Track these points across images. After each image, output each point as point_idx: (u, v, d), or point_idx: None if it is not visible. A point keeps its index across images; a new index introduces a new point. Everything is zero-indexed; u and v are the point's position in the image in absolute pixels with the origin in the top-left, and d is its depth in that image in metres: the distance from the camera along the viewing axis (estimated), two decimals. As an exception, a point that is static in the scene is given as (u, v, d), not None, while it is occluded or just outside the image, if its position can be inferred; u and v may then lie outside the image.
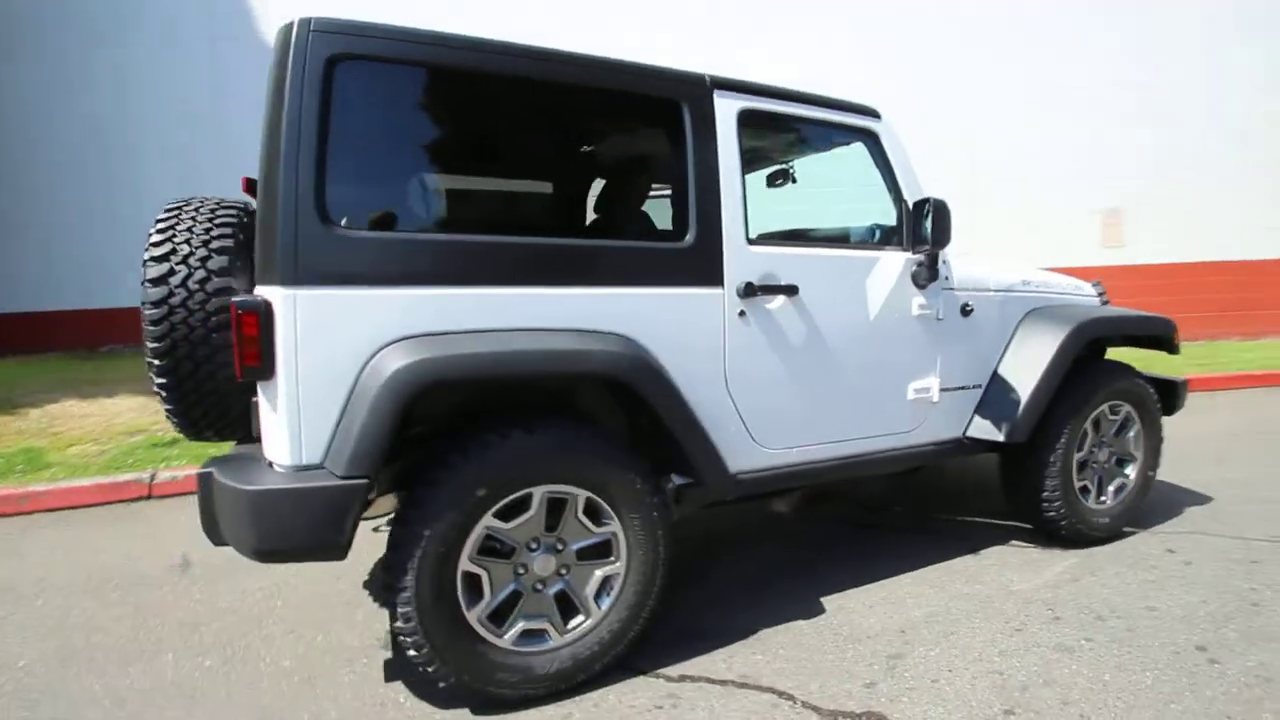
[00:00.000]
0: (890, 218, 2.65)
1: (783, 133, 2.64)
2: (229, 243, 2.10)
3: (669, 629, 2.30)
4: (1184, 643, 2.22)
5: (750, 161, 2.30)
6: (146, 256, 2.02)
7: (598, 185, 2.70)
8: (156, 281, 1.99)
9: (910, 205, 2.55)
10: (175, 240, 2.06)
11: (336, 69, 1.74)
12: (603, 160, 2.62)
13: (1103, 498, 3.04)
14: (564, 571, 2.01)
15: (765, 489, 2.39)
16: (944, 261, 2.65)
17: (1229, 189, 8.75)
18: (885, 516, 3.44)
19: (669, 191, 3.10)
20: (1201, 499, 3.54)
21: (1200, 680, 2.02)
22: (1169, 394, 3.20)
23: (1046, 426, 2.82)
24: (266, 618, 2.53)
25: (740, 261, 2.22)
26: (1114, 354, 3.28)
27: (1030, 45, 8.57)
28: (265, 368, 1.71)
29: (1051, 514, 2.88)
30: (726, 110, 2.23)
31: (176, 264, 2.02)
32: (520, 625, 1.95)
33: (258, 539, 1.67)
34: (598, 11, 8.09)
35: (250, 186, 2.32)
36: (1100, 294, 3.38)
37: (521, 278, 1.93)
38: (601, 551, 2.06)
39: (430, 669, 1.85)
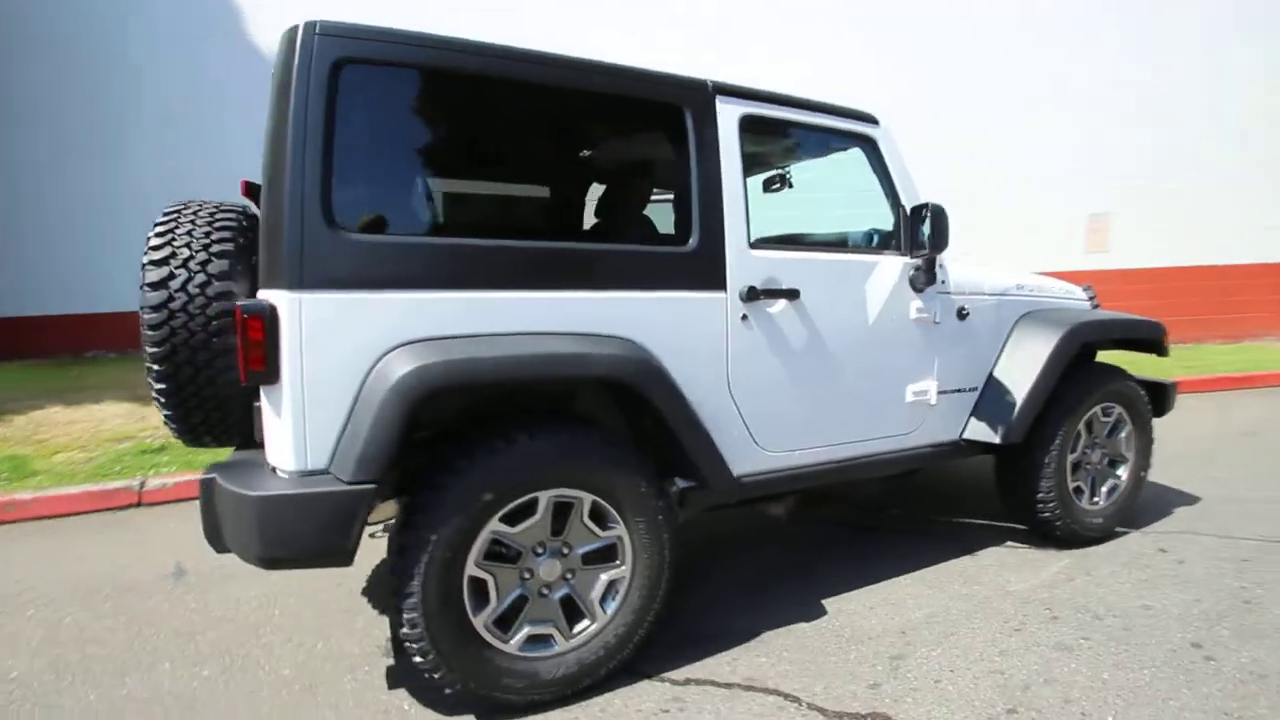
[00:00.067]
0: (887, 222, 2.68)
1: (782, 138, 2.66)
2: (229, 246, 2.07)
3: (672, 632, 2.30)
4: (1180, 640, 2.26)
5: (749, 166, 2.32)
6: (145, 260, 2.00)
7: (600, 189, 2.71)
8: (156, 286, 1.96)
9: (908, 210, 2.58)
10: (175, 244, 2.03)
11: (342, 72, 1.74)
12: (606, 164, 2.63)
13: (1096, 498, 3.08)
14: (569, 576, 2.01)
15: (767, 491, 2.40)
16: (941, 266, 2.68)
17: (1229, 189, 8.85)
18: (882, 518, 3.46)
19: (667, 196, 3.13)
20: (1190, 499, 3.60)
21: (1197, 677, 2.06)
22: (1159, 396, 3.25)
23: (1041, 428, 2.86)
24: (264, 626, 2.50)
25: (742, 265, 2.24)
26: (1102, 356, 3.34)
27: (1031, 45, 8.64)
28: (270, 372, 1.70)
29: (1046, 515, 2.92)
30: (728, 115, 2.25)
31: (176, 268, 1.99)
32: (526, 630, 1.94)
33: (263, 545, 1.65)
34: (607, 10, 8.06)
35: (249, 190, 2.31)
36: (1091, 298, 3.44)
37: (526, 282, 1.93)
38: (606, 556, 2.05)
39: (436, 675, 1.84)
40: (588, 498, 1.97)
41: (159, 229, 2.07)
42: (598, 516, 2.02)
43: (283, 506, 1.65)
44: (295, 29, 1.74)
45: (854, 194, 2.79)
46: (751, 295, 2.24)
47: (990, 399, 2.86)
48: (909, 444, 2.71)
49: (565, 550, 1.99)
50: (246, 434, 2.15)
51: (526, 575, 1.95)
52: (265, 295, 1.75)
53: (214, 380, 2.05)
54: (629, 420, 2.19)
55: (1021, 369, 2.85)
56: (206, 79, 7.76)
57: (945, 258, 2.71)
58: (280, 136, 1.71)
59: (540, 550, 1.96)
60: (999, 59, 8.62)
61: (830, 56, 8.21)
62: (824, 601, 2.58)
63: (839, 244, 2.84)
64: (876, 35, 8.42)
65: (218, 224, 2.12)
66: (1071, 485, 2.97)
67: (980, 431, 2.83)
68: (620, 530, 2.03)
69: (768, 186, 3.01)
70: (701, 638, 2.32)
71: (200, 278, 2.00)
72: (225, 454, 4.12)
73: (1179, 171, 8.82)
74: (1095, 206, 8.80)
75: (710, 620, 2.45)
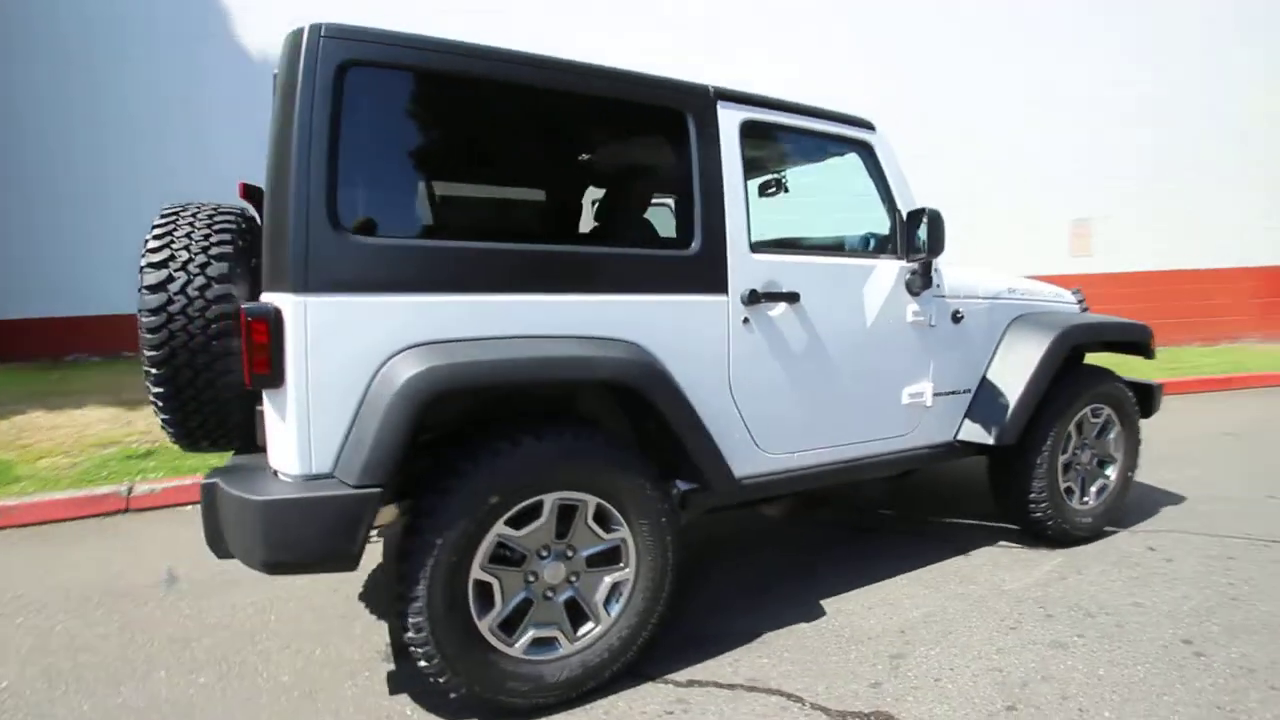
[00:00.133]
0: (882, 226, 2.71)
1: (780, 143, 2.69)
2: (229, 249, 2.06)
3: (674, 634, 2.31)
4: (1171, 637, 2.31)
5: (747, 170, 2.34)
6: (143, 263, 1.97)
7: (599, 192, 2.72)
8: (154, 288, 1.94)
9: (904, 214, 2.62)
10: (173, 246, 2.01)
11: (347, 75, 1.73)
12: (610, 168, 2.64)
13: (1086, 498, 3.14)
14: (574, 579, 2.01)
15: (767, 493, 2.42)
16: (936, 269, 2.72)
17: (1228, 191, 9.00)
18: (878, 519, 3.50)
19: (664, 199, 3.14)
20: (1176, 499, 3.68)
21: (1189, 672, 2.10)
22: (1146, 397, 3.32)
23: (1033, 429, 2.90)
24: (260, 632, 2.47)
25: (744, 269, 2.26)
26: (1090, 359, 3.40)
27: (1030, 45, 8.72)
28: (274, 375, 1.69)
29: (1039, 515, 2.96)
30: (729, 121, 2.27)
31: (175, 270, 1.97)
32: (531, 633, 1.94)
33: (268, 550, 1.63)
34: (597, 11, 8.06)
35: (247, 192, 2.29)
36: (1080, 301, 3.50)
37: (531, 285, 1.93)
38: (610, 558, 2.06)
39: (441, 680, 1.83)
40: (592, 500, 1.97)
41: (157, 231, 2.05)
42: (602, 519, 2.02)
43: (288, 511, 1.64)
44: (300, 31, 1.73)
45: (849, 198, 2.82)
46: (753, 299, 2.26)
47: (984, 401, 2.90)
48: (906, 445, 2.74)
49: (570, 553, 1.99)
50: (244, 438, 2.13)
51: (531, 578, 1.95)
52: (269, 298, 1.74)
53: (213, 384, 2.03)
54: (632, 423, 2.20)
55: (1014, 371, 2.90)
56: (194, 79, 7.67)
57: (939, 261, 2.75)
58: (285, 139, 1.71)
59: (545, 553, 1.96)
60: (997, 60, 8.66)
61: (819, 58, 8.27)
62: (823, 602, 2.60)
63: (836, 248, 2.87)
64: (866, 36, 8.46)
65: (216, 226, 2.10)
66: (1063, 485, 3.02)
67: (975, 433, 2.87)
68: (624, 532, 2.04)
69: (763, 191, 3.04)
70: (703, 639, 2.33)
71: (200, 280, 1.98)
72: (214, 458, 4.07)
73: (1176, 173, 8.91)
74: (1095, 208, 8.87)
75: (711, 622, 2.46)
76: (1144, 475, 3.73)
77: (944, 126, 8.40)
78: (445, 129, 2.03)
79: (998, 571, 2.84)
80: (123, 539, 3.43)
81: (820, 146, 2.71)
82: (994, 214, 8.51)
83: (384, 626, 2.48)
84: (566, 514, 1.97)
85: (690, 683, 2.10)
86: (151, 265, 1.96)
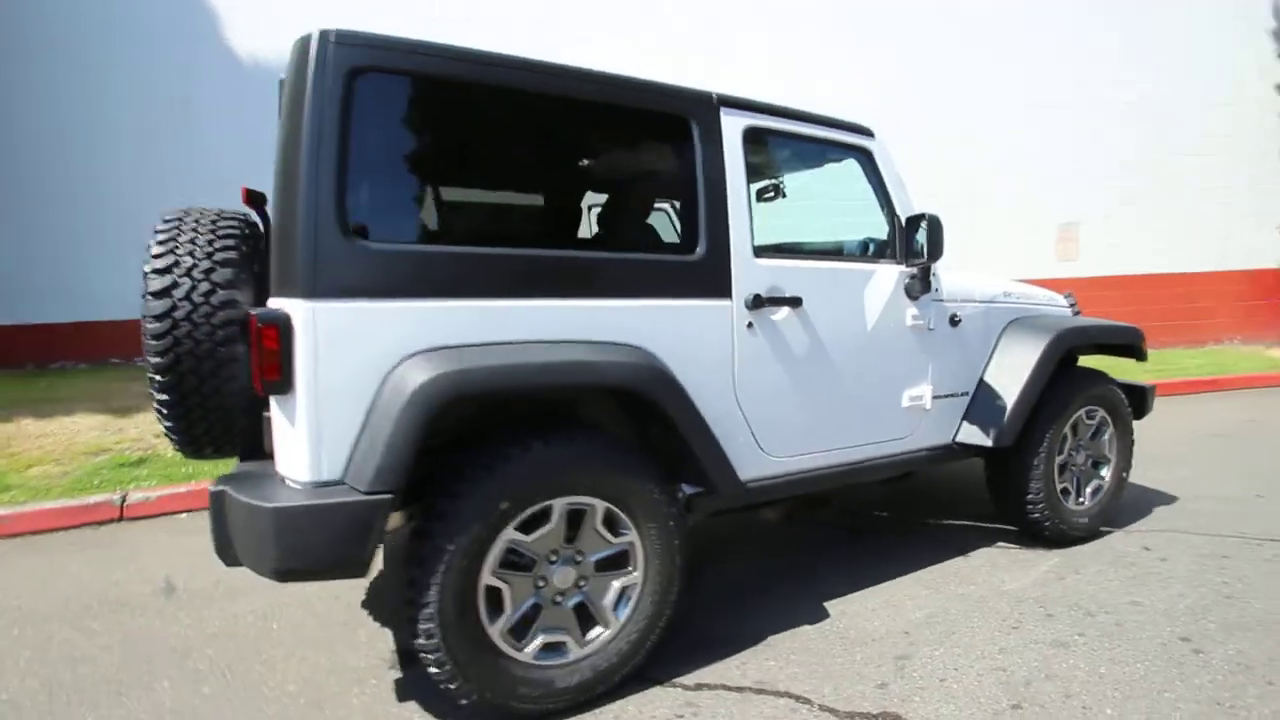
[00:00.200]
0: (880, 231, 2.75)
1: (781, 149, 2.72)
2: (233, 255, 2.05)
3: (682, 638, 2.32)
4: (1169, 635, 2.34)
5: (749, 176, 2.36)
6: (147, 269, 1.97)
7: (604, 197, 2.73)
8: (159, 294, 1.93)
9: (903, 220, 2.65)
10: (177, 252, 2.00)
11: (356, 81, 1.74)
12: (615, 173, 2.65)
13: (1081, 499, 3.18)
14: (582, 583, 2.01)
15: (771, 496, 2.44)
16: (934, 274, 2.75)
17: (1218, 193, 9.12)
18: (876, 521, 3.52)
19: (663, 205, 3.16)
20: (1168, 499, 3.73)
21: (1188, 670, 2.14)
22: (1138, 399, 3.37)
23: (1030, 431, 2.94)
24: (263, 641, 2.45)
25: (747, 274, 2.28)
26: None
27: (1030, 46, 8.79)
28: (284, 381, 1.68)
29: (1036, 515, 3.00)
30: (732, 127, 2.30)
31: (180, 276, 1.97)
32: (541, 638, 1.94)
33: (279, 558, 1.63)
34: (592, 12, 8.04)
35: (250, 197, 2.28)
36: (1072, 305, 3.56)
37: (540, 290, 1.94)
38: (619, 562, 2.06)
39: (452, 686, 1.82)
40: (601, 505, 1.98)
41: (160, 237, 2.04)
42: (610, 523, 2.03)
43: (299, 518, 1.64)
44: (309, 38, 1.74)
45: (847, 202, 2.86)
46: (756, 303, 2.28)
47: (981, 403, 2.94)
48: (905, 448, 2.77)
49: (579, 557, 2.00)
50: (248, 445, 2.12)
51: (540, 583, 1.95)
52: (278, 304, 1.74)
53: (218, 390, 2.02)
54: (639, 428, 2.21)
55: (1011, 374, 2.94)
56: (185, 81, 7.60)
57: (937, 265, 2.78)
58: (294, 145, 1.71)
59: (554, 558, 1.96)
60: (997, 59, 8.71)
61: (819, 58, 8.25)
62: (826, 604, 2.61)
63: (836, 252, 2.90)
64: (866, 36, 8.43)
65: (220, 232, 2.10)
66: (1059, 486, 3.06)
67: (973, 435, 2.90)
68: (632, 536, 2.04)
69: (761, 196, 3.07)
70: (709, 642, 2.34)
71: (205, 286, 1.98)
72: (208, 466, 4.03)
73: (1172, 175, 9.02)
74: (1094, 209, 8.93)
75: (717, 625, 2.47)
76: (1136, 476, 3.78)
77: (943, 127, 8.46)
78: (453, 135, 2.04)
79: (997, 572, 2.87)
80: (118, 548, 3.39)
81: (820, 152, 2.74)
82: (993, 214, 8.57)
83: (388, 633, 2.47)
84: (575, 519, 1.98)
85: (698, 686, 2.11)
86: (156, 271, 1.95)
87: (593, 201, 2.80)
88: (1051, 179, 8.85)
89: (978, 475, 3.35)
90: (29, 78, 7.43)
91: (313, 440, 1.69)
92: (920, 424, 2.80)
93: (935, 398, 2.81)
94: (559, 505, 1.92)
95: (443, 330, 1.80)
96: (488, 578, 1.84)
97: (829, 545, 3.22)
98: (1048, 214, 8.96)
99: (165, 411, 2.02)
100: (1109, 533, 3.26)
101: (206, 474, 4.03)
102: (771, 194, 3.10)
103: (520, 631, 1.92)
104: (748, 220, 2.30)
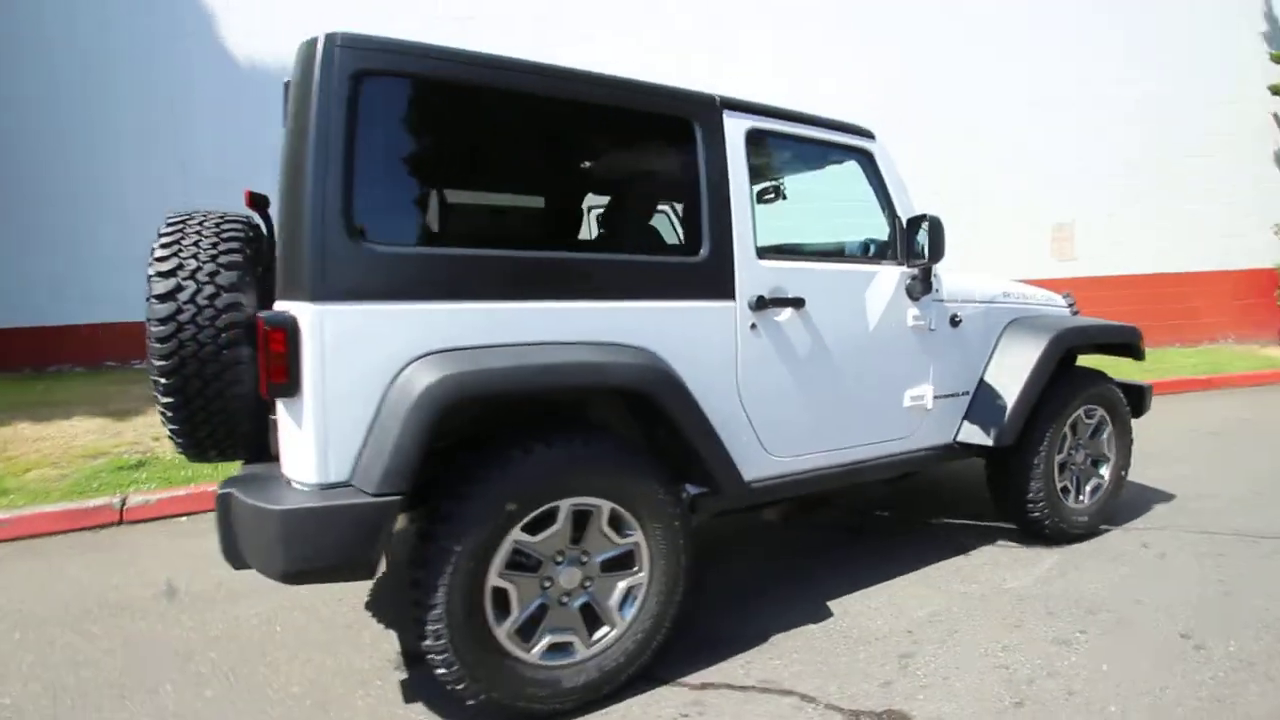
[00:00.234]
0: (880, 232, 2.76)
1: (783, 151, 2.73)
2: (237, 257, 2.05)
3: (687, 638, 2.32)
4: (1169, 631, 2.36)
5: (751, 178, 2.37)
6: (151, 272, 1.96)
7: (606, 199, 2.74)
8: (163, 298, 1.93)
9: (903, 221, 2.67)
10: (182, 255, 2.00)
11: (362, 84, 1.74)
12: (620, 175, 2.66)
13: (1081, 497, 3.20)
14: (588, 584, 2.02)
15: (775, 496, 2.45)
16: (935, 274, 2.77)
17: (1221, 194, 9.17)
18: (876, 521, 3.54)
19: (666, 207, 3.17)
20: (1165, 497, 3.76)
21: (1190, 666, 2.16)
22: (1136, 398, 3.40)
23: (1030, 431, 2.96)
24: (266, 643, 2.44)
25: (751, 275, 2.29)
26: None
27: (1034, 44, 8.81)
28: (291, 384, 1.69)
29: (1036, 514, 3.02)
30: (735, 129, 2.31)
31: (184, 279, 1.96)
32: (547, 639, 1.94)
33: (287, 560, 1.63)
34: (604, 8, 8.03)
35: (253, 200, 2.28)
36: (1070, 305, 3.58)
37: (543, 291, 1.94)
38: (624, 562, 2.07)
39: (460, 687, 1.83)
40: (606, 505, 1.99)
41: (164, 240, 2.04)
42: (615, 524, 2.03)
43: (307, 520, 1.64)
44: (314, 41, 1.74)
45: (848, 204, 2.87)
46: (760, 304, 2.29)
47: (982, 403, 2.96)
48: (907, 447, 2.79)
49: (584, 558, 2.00)
50: (252, 447, 2.12)
51: (547, 584, 1.95)
52: (285, 307, 1.74)
53: (223, 393, 2.02)
54: (645, 429, 2.22)
55: (1011, 374, 2.95)
56: (179, 81, 7.57)
57: (938, 266, 2.80)
58: (300, 148, 1.71)
59: (560, 559, 1.96)
60: (1001, 58, 8.72)
61: (822, 57, 8.24)
62: (829, 603, 2.62)
63: (838, 253, 2.91)
64: (869, 35, 8.41)
65: (224, 234, 2.10)
66: (1059, 485, 3.08)
67: (974, 434, 2.92)
68: (638, 537, 2.05)
69: (761, 197, 3.08)
70: (715, 642, 2.35)
71: (209, 289, 1.97)
72: (206, 469, 4.01)
73: (1175, 175, 9.06)
74: (1098, 207, 8.95)
75: (721, 625, 2.48)
76: (1133, 474, 3.79)
77: (947, 125, 8.47)
78: (459, 137, 2.05)
79: (998, 570, 2.89)
80: (118, 551, 3.37)
81: (821, 154, 2.75)
82: (997, 213, 8.58)
83: (392, 635, 2.47)
84: (581, 519, 1.98)
85: (704, 685, 2.12)
86: (160, 274, 1.95)
87: (596, 203, 2.80)
88: (1055, 177, 8.87)
89: (977, 475, 3.36)
90: (25, 78, 7.39)
91: (320, 442, 1.69)
92: (922, 424, 2.81)
93: (936, 398, 2.82)
94: (565, 506, 1.92)
95: (449, 332, 1.81)
96: (494, 579, 1.85)
97: (828, 546, 3.23)
98: (1051, 213, 8.98)
99: (169, 414, 2.02)
100: (1108, 531, 3.28)
101: (206, 477, 4.02)
102: (771, 195, 3.11)
103: (527, 632, 1.93)
104: (751, 222, 2.32)
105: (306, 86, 1.72)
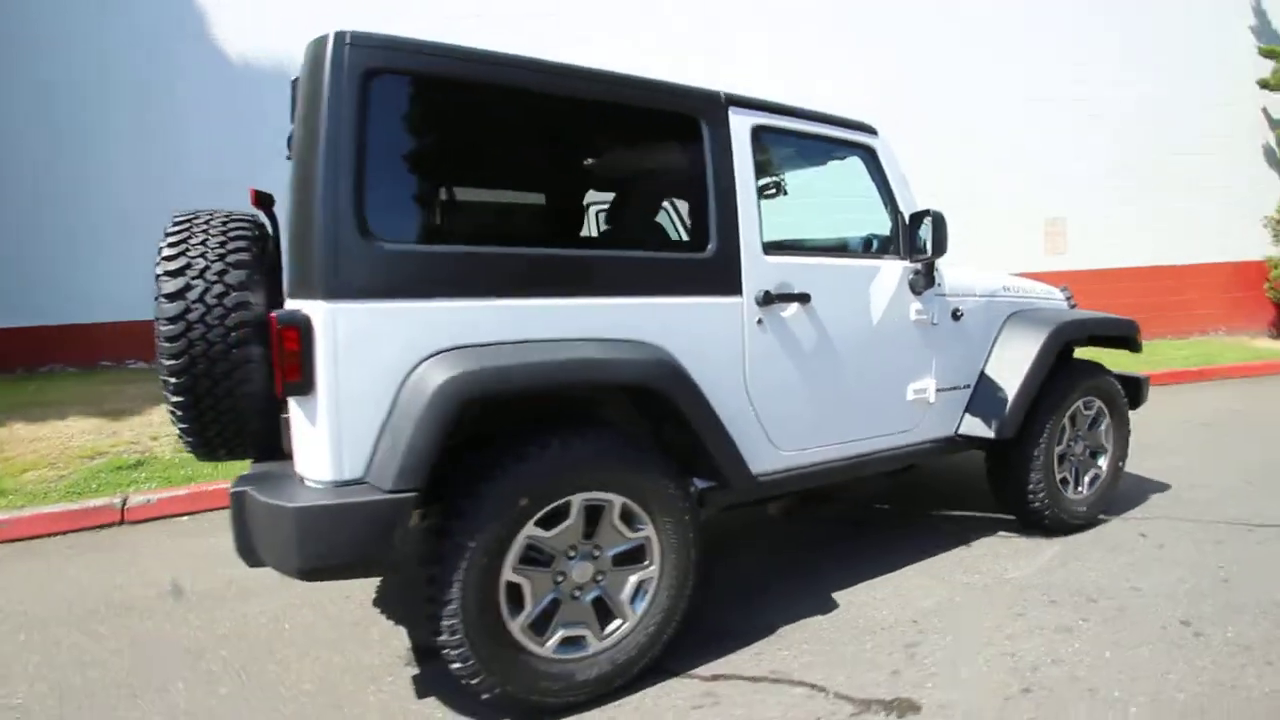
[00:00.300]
0: (882, 227, 2.78)
1: (787, 147, 2.74)
2: (245, 256, 2.05)
3: (697, 631, 2.34)
4: (1170, 618, 2.40)
5: (756, 174, 2.39)
6: (159, 271, 1.96)
7: (614, 196, 2.74)
8: (172, 297, 1.92)
9: (906, 216, 2.69)
10: (190, 254, 2.00)
11: (372, 82, 1.74)
12: (627, 172, 2.67)
13: (1080, 488, 3.24)
14: (600, 578, 2.03)
15: (782, 490, 2.47)
16: (937, 269, 2.79)
17: (1219, 190, 9.24)
18: (878, 513, 3.57)
19: (669, 204, 3.17)
20: (1161, 487, 3.81)
21: (1190, 651, 2.20)
22: (1134, 389, 3.45)
23: (1030, 423, 3.00)
24: (276, 641, 2.45)
25: (757, 271, 2.30)
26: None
27: (1030, 45, 8.83)
28: (305, 383, 1.69)
29: (1036, 505, 3.06)
30: (740, 125, 2.32)
31: (193, 278, 1.96)
32: (560, 633, 1.96)
33: (303, 557, 1.63)
34: (600, 8, 8.00)
35: (258, 199, 2.28)
36: (1068, 298, 3.62)
37: (553, 288, 1.95)
38: (635, 556, 2.09)
39: (474, 681, 1.84)
40: (618, 500, 2.00)
41: (171, 239, 2.03)
42: (627, 518, 2.05)
43: (322, 517, 1.64)
44: (324, 39, 1.74)
45: (851, 199, 2.89)
46: (766, 300, 2.30)
47: (983, 396, 2.99)
48: (910, 440, 2.82)
49: (596, 553, 2.02)
50: (261, 446, 2.12)
51: (559, 578, 1.97)
52: (296, 305, 1.74)
53: (232, 392, 2.01)
54: (653, 424, 2.23)
55: (1012, 367, 2.99)
56: (175, 79, 7.49)
57: (939, 261, 2.82)
58: (310, 147, 1.71)
59: (573, 553, 1.98)
60: (997, 59, 8.74)
61: (819, 57, 8.24)
62: (834, 595, 2.65)
63: (841, 249, 2.93)
64: (866, 36, 8.40)
65: (232, 233, 2.09)
66: (1058, 476, 3.12)
67: (975, 427, 2.95)
68: (649, 531, 2.07)
69: (762, 193, 3.09)
70: (724, 635, 2.37)
71: (218, 288, 1.97)
72: (206, 468, 4.00)
73: (1178, 171, 9.12)
74: (1094, 206, 9.00)
75: (730, 618, 2.50)
76: (1130, 465, 3.85)
77: (944, 126, 8.50)
78: (468, 135, 2.05)
79: (1000, 561, 2.93)
80: (118, 551, 3.36)
81: (825, 150, 2.77)
82: (993, 212, 8.63)
83: (401, 631, 2.48)
84: (593, 514, 2.00)
85: (715, 677, 2.14)
86: (168, 273, 1.95)
87: (604, 199, 2.81)
88: (1051, 177, 8.93)
89: (976, 467, 3.40)
90: (22, 78, 7.29)
91: (334, 440, 1.69)
92: (924, 417, 2.84)
93: (939, 391, 2.85)
94: (577, 501, 1.94)
95: (461, 329, 1.81)
96: (508, 574, 1.86)
97: (832, 539, 3.26)
98: (1047, 212, 9.05)
99: (179, 414, 2.01)
100: (1107, 521, 3.32)
101: (206, 476, 4.01)
102: (773, 191, 3.12)
103: (540, 626, 1.94)
104: (757, 218, 2.33)
105: (316, 85, 1.71)
